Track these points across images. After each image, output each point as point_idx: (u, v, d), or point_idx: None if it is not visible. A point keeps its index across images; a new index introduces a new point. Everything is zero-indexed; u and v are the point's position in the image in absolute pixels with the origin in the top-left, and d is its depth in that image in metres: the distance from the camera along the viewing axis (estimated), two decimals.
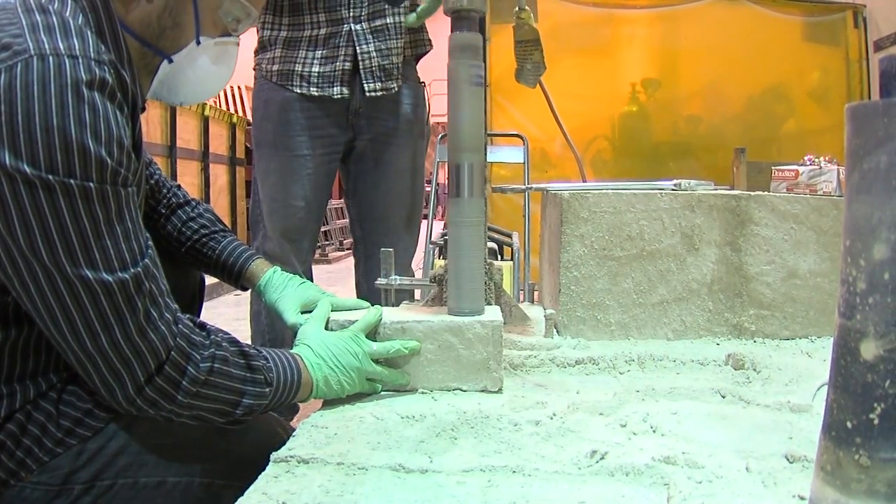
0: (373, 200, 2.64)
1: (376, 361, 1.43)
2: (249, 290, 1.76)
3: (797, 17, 5.50)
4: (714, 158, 5.15)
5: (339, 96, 2.48)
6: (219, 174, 8.91)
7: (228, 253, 1.68)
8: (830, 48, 5.56)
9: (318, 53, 2.49)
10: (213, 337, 1.23)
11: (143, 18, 1.23)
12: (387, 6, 2.45)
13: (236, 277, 1.70)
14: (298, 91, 2.51)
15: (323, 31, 2.46)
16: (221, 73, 1.38)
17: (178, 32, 1.27)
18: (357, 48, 2.45)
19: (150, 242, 1.17)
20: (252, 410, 1.27)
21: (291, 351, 1.40)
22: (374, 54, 2.46)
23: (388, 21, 2.46)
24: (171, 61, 1.29)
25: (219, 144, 8.93)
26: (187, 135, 7.87)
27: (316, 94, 2.49)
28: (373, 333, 1.47)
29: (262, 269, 1.69)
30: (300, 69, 2.50)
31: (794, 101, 5.56)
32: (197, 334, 1.20)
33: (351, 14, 2.44)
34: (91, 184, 1.05)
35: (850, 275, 0.81)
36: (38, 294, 1.06)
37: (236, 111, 11.15)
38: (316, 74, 2.49)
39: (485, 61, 1.59)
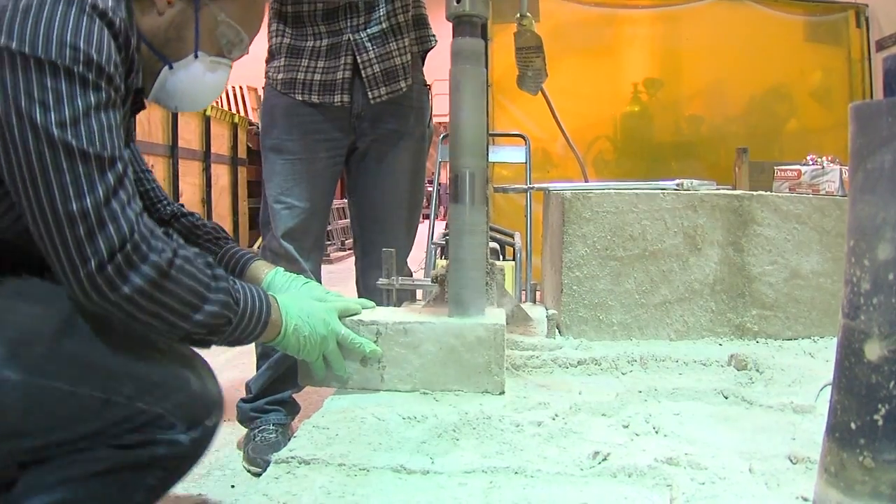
0: (372, 200, 2.65)
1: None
2: None
3: (799, 16, 5.48)
4: (716, 158, 5.14)
5: (339, 104, 2.49)
6: (220, 174, 8.90)
7: (230, 256, 1.73)
8: (832, 48, 5.54)
9: (321, 63, 2.52)
10: (176, 239, 1.31)
11: (152, 27, 1.40)
12: (383, 11, 2.46)
13: (238, 277, 1.71)
14: (300, 98, 2.52)
15: (324, 41, 2.49)
16: (212, 88, 1.53)
17: (181, 44, 1.44)
18: (357, 57, 2.46)
19: (121, 147, 1.25)
20: (215, 325, 1.30)
21: (272, 294, 1.47)
22: (374, 60, 2.48)
23: (384, 26, 2.47)
24: (171, 67, 1.45)
25: (220, 145, 8.92)
26: (189, 135, 7.86)
27: (317, 101, 2.51)
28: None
29: (263, 270, 1.71)
30: (302, 77, 2.53)
31: (796, 101, 5.54)
32: (161, 233, 1.26)
33: (349, 24, 2.45)
34: (83, 72, 1.18)
35: (855, 275, 0.81)
36: (13, 151, 1.16)
37: (238, 111, 11.13)
38: (318, 83, 2.52)
39: (486, 61, 1.59)
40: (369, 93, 2.49)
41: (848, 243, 0.82)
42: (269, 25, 2.61)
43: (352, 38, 2.46)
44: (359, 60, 2.47)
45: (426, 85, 2.70)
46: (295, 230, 2.55)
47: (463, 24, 1.53)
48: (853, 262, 0.81)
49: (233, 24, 1.46)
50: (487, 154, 1.64)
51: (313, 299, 1.57)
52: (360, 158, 2.63)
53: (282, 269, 1.73)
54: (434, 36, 2.66)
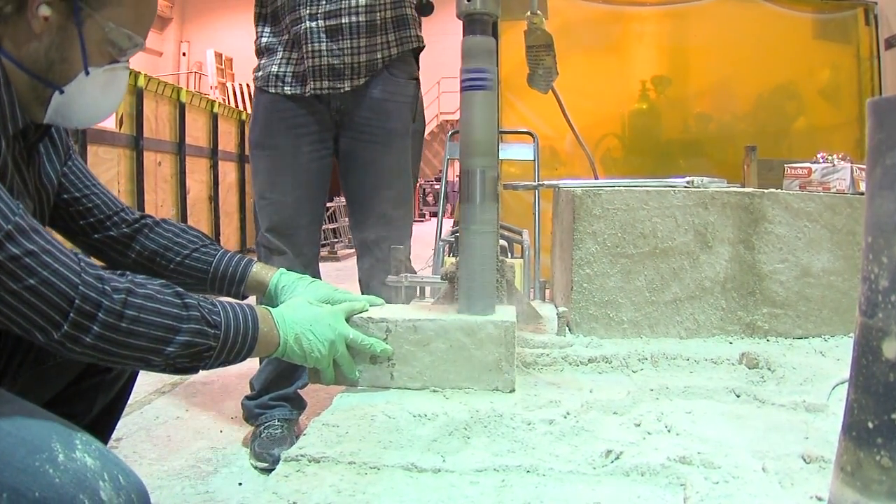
0: (359, 197, 2.64)
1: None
2: (253, 297, 1.76)
3: (808, 14, 5.46)
4: (724, 156, 5.12)
5: (309, 94, 2.49)
6: (228, 171, 8.92)
7: (226, 264, 1.71)
8: (841, 46, 5.52)
9: (294, 55, 2.54)
10: (130, 277, 1.24)
11: (31, 54, 1.29)
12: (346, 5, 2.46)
13: (237, 284, 1.71)
14: (274, 91, 2.53)
15: (291, 33, 2.50)
16: (111, 98, 1.42)
17: (66, 66, 1.32)
18: (310, 46, 2.46)
19: (22, 208, 1.17)
20: (195, 353, 1.27)
21: (264, 306, 1.44)
22: (324, 53, 2.47)
23: (343, 21, 2.46)
24: (62, 92, 1.33)
25: (228, 141, 8.94)
26: (196, 132, 7.88)
27: (289, 92, 2.52)
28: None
29: (266, 273, 1.71)
30: (276, 70, 2.55)
31: (805, 99, 5.52)
32: (108, 272, 1.22)
33: (307, 12, 2.46)
34: None
35: (872, 272, 0.80)
36: None
37: (245, 108, 11.15)
38: (290, 74, 2.53)
39: (497, 60, 1.58)
40: (311, 82, 2.48)
41: (865, 240, 0.81)
42: (255, 29, 2.62)
43: (308, 27, 2.46)
44: (309, 49, 2.47)
45: (413, 79, 2.67)
46: (280, 225, 2.56)
47: (474, 23, 1.52)
48: (871, 259, 0.80)
49: (123, 30, 1.34)
50: (498, 152, 1.64)
51: (319, 300, 1.56)
52: (345, 156, 2.62)
53: (285, 269, 1.72)
54: (419, 36, 2.64)
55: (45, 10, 1.26)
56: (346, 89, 2.50)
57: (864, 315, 0.81)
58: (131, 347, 1.21)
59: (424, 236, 4.55)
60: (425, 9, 2.55)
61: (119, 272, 1.25)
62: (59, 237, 1.40)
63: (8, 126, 1.26)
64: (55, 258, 1.15)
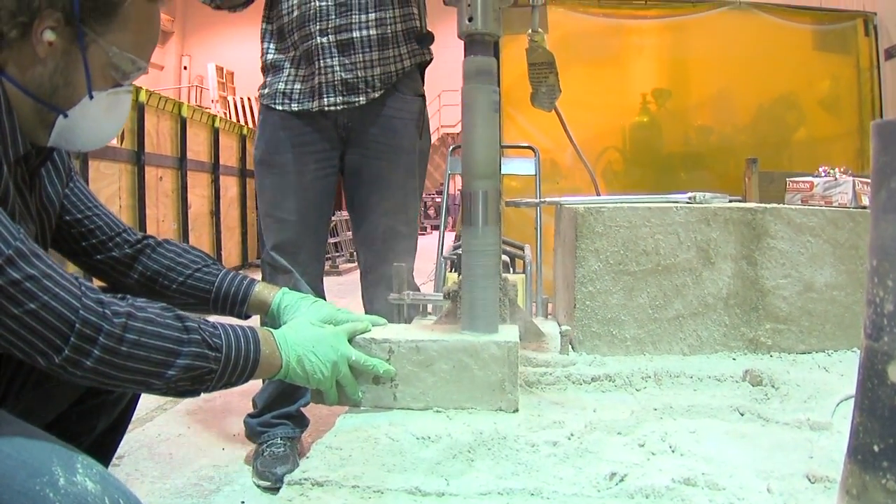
0: (364, 214, 2.63)
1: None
2: (256, 317, 1.76)
3: (807, 25, 5.48)
4: (725, 168, 5.13)
5: (316, 110, 2.49)
6: (229, 186, 8.93)
7: (228, 284, 1.70)
8: (841, 56, 5.54)
9: (301, 72, 2.54)
10: (131, 300, 1.25)
11: (36, 79, 1.30)
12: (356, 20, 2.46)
13: (240, 304, 1.71)
14: (281, 108, 2.53)
15: (300, 50, 2.49)
16: (114, 121, 1.44)
17: (70, 90, 1.33)
18: (321, 62, 2.46)
19: (23, 233, 1.18)
20: (196, 376, 1.28)
21: (265, 328, 1.44)
22: (336, 68, 2.47)
23: (354, 35, 2.46)
24: (66, 116, 1.34)
25: (229, 156, 8.95)
26: (197, 146, 7.89)
27: (296, 109, 2.51)
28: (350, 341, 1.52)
29: (268, 293, 1.70)
30: (283, 87, 2.55)
31: (805, 110, 5.53)
32: (109, 296, 1.22)
33: (318, 28, 2.46)
34: None
35: (878, 296, 0.79)
36: None
37: (246, 122, 11.17)
38: (297, 91, 2.53)
39: (498, 79, 1.58)
40: (324, 98, 2.48)
41: (870, 263, 0.81)
42: (261, 45, 2.62)
43: (319, 42, 2.46)
44: (321, 65, 2.47)
45: (419, 96, 2.67)
46: (285, 244, 2.56)
47: (475, 43, 1.52)
48: (876, 283, 0.80)
49: (127, 55, 1.34)
50: (500, 171, 1.64)
51: (322, 320, 1.56)
52: (351, 173, 2.62)
53: (288, 289, 1.72)
54: (429, 49, 2.64)
55: (49, 35, 1.27)
56: (362, 103, 2.50)
57: (869, 338, 0.81)
58: (132, 371, 1.21)
59: (426, 249, 4.55)
60: (425, 39, 2.56)
61: (120, 295, 1.26)
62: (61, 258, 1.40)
63: (9, 152, 1.27)
64: (56, 282, 1.16)
